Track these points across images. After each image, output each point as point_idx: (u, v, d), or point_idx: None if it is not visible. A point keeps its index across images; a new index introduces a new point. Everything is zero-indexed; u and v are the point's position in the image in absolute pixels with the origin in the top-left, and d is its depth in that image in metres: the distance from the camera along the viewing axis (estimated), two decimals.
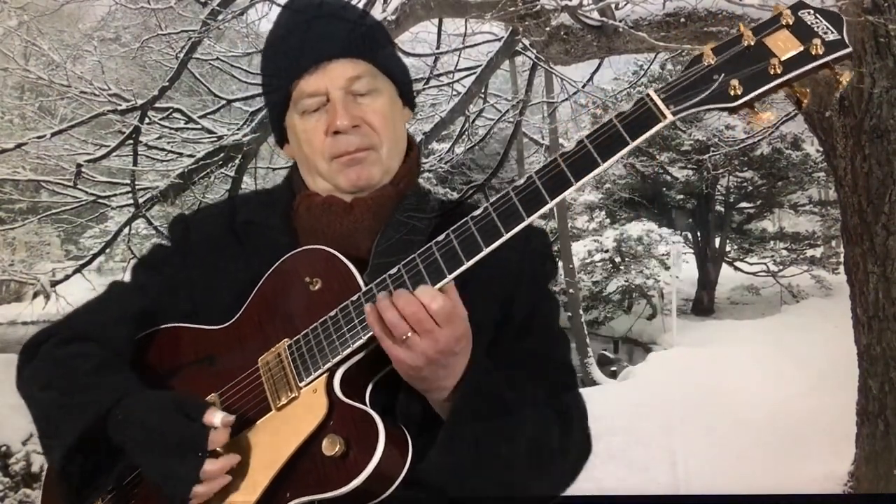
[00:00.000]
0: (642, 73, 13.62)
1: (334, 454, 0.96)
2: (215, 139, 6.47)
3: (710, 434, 6.48)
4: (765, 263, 15.53)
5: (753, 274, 15.68)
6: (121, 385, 1.06)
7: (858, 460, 4.55)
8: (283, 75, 1.14)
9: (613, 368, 12.66)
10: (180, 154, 7.02)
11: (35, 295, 6.39)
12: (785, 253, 15.59)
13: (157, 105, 6.25)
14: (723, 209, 16.24)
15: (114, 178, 7.39)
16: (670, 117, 0.93)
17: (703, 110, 0.93)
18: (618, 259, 15.11)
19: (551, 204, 0.95)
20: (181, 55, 5.88)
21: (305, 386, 1.03)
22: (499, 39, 7.08)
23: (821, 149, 5.24)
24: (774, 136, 12.62)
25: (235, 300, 1.12)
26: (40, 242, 18.90)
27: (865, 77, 3.81)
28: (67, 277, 6.22)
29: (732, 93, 0.92)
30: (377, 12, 4.87)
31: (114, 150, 6.24)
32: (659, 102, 0.93)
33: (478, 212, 0.98)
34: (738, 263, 16.13)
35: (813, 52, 0.91)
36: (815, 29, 0.92)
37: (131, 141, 6.01)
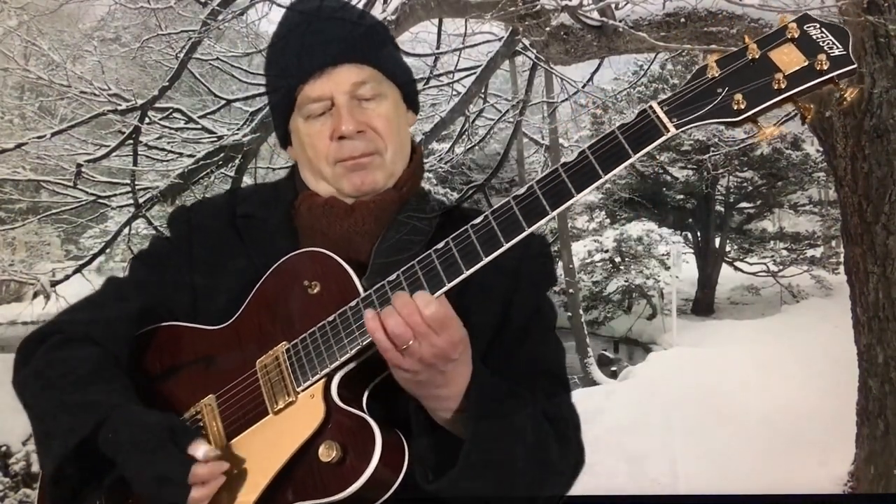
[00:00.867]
0: (642, 73, 13.62)
1: (331, 460, 0.96)
2: (215, 139, 6.47)
3: (709, 434, 6.47)
4: (765, 263, 15.51)
5: (753, 274, 15.66)
6: (113, 398, 1.05)
7: (858, 460, 4.54)
8: (287, 79, 1.13)
9: (613, 368, 12.66)
10: (180, 154, 7.01)
11: (35, 295, 6.38)
12: (785, 253, 15.57)
13: (157, 105, 6.24)
14: (723, 209, 16.23)
15: (114, 178, 7.38)
16: (673, 130, 0.92)
17: (706, 124, 0.92)
18: (618, 259, 15.11)
19: (552, 215, 0.95)
20: (181, 55, 5.86)
21: (303, 391, 1.02)
22: (499, 39, 7.06)
23: (821, 149, 5.23)
24: (774, 136, 12.59)
25: (235, 299, 1.12)
26: (40, 242, 18.90)
27: (865, 77, 3.80)
28: (67, 277, 6.20)
29: (736, 107, 0.91)
30: (377, 12, 4.86)
31: (114, 150, 6.23)
32: (662, 115, 0.93)
33: (478, 220, 0.97)
34: (738, 263, 16.11)
35: (818, 68, 0.90)
36: (821, 44, 0.91)
37: (131, 141, 6.00)
